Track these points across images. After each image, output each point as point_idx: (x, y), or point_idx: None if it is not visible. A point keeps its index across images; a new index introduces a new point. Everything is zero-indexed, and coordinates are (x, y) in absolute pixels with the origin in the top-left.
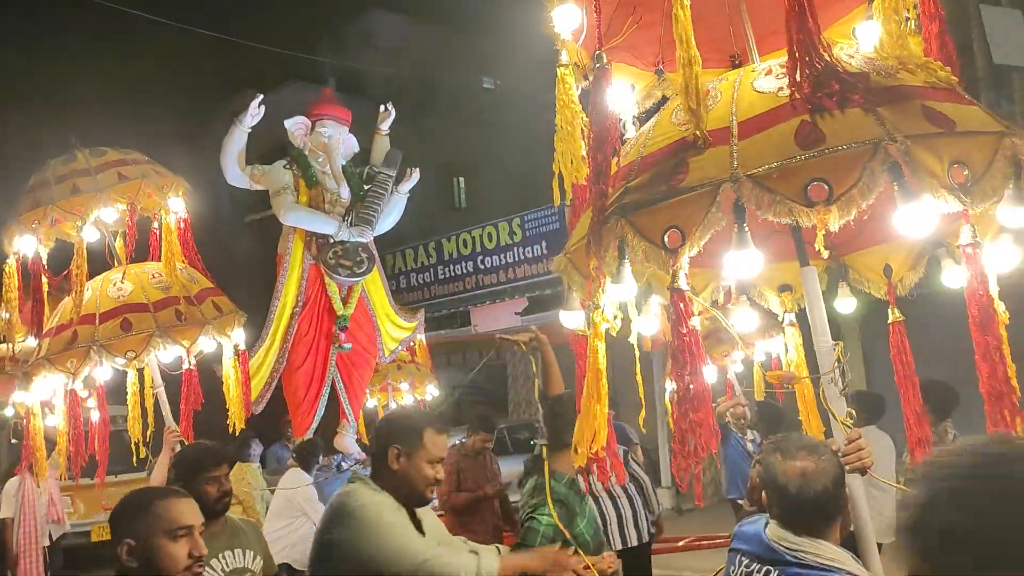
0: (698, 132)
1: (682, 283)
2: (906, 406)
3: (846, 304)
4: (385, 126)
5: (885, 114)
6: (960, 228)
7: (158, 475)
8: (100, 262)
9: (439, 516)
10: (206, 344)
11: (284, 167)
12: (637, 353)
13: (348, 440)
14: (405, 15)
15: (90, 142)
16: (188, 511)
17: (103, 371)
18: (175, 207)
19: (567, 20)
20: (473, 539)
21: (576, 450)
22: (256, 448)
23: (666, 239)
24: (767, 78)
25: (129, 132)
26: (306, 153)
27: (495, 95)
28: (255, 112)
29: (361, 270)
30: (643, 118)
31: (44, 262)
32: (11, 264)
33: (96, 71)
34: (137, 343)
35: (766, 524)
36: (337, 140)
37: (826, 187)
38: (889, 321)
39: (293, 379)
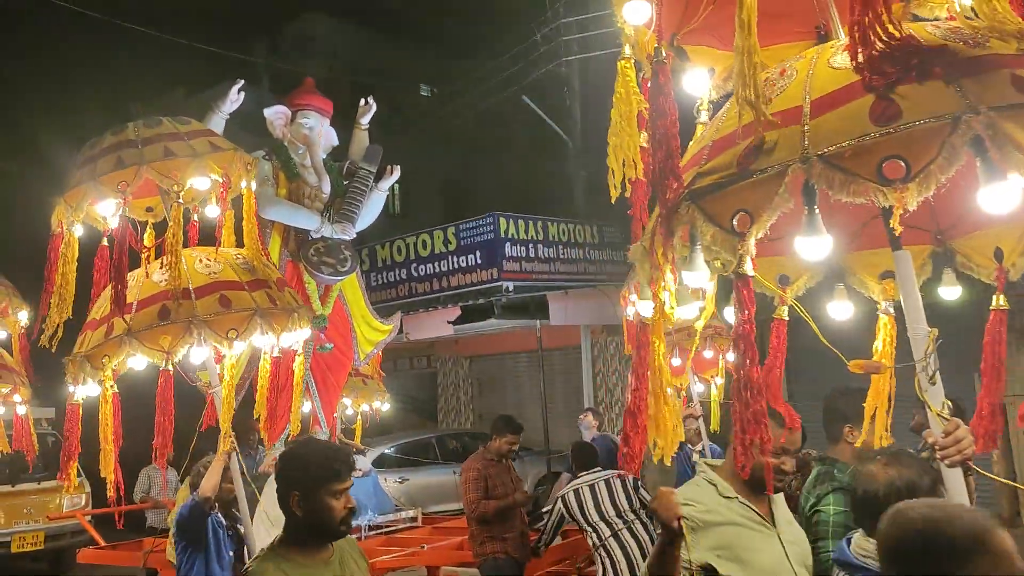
0: (760, 119)
1: (747, 268)
2: (984, 398)
3: (951, 291)
4: (365, 121)
5: (968, 85)
6: None
7: (210, 481)
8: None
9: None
10: (262, 341)
11: (263, 158)
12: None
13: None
14: (342, 19)
15: (11, 136)
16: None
17: (201, 352)
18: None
19: (637, 13)
20: (503, 548)
21: (656, 445)
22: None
23: (735, 223)
24: (844, 54)
25: (56, 127)
26: (286, 144)
27: (432, 102)
28: (235, 98)
29: (344, 268)
30: (721, 103)
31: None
32: (71, 233)
33: (26, 65)
34: (239, 321)
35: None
36: (319, 132)
37: (903, 164)
38: (992, 307)
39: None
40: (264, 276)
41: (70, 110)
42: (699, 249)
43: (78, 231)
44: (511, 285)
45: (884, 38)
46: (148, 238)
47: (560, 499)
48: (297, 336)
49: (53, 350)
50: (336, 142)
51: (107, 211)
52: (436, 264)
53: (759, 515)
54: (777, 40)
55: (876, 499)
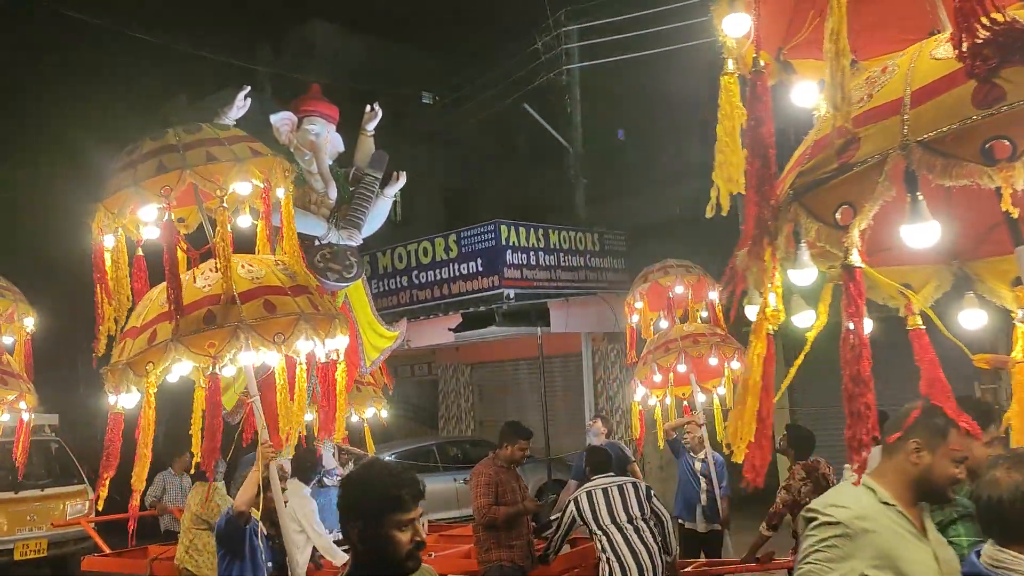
0: (847, 126)
1: (855, 259)
2: None
3: None
4: (371, 127)
5: None
6: None
7: (246, 494)
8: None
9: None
10: (306, 345)
11: None
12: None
13: (326, 454)
14: (345, 27)
15: (14, 142)
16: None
17: (248, 356)
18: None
19: (737, 27)
20: (509, 556)
21: (729, 448)
22: (220, 466)
23: (838, 216)
24: (946, 45)
25: (59, 134)
26: (292, 150)
27: (434, 110)
28: (241, 104)
29: (351, 274)
30: None
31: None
32: (119, 237)
33: (28, 73)
34: (285, 325)
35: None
36: (325, 139)
37: (1009, 143)
38: None
39: (271, 391)
40: (304, 282)
41: (73, 117)
42: (804, 247)
43: (109, 242)
44: (512, 292)
45: (988, 24)
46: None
47: (572, 502)
48: (338, 343)
49: (97, 356)
50: (342, 148)
51: (149, 216)
52: (437, 271)
53: (914, 526)
54: (893, 48)
55: (1001, 505)
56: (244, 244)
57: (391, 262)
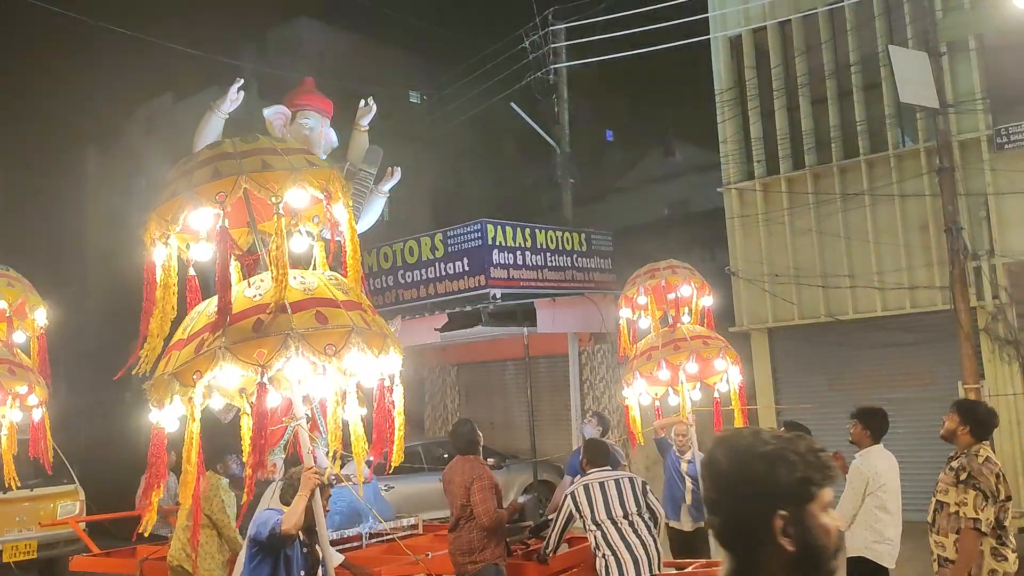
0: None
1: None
2: None
3: None
4: (365, 122)
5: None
6: None
7: (294, 518)
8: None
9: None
10: (357, 361)
11: None
12: None
13: (320, 454)
14: (331, 25)
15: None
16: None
17: (298, 366)
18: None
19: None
20: (502, 552)
21: None
22: (235, 465)
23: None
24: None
25: (45, 131)
26: None
27: (421, 109)
28: (234, 97)
29: None
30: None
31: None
32: (170, 248)
33: (13, 69)
34: (337, 337)
35: None
36: (319, 133)
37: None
38: None
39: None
40: (357, 299)
41: (53, 112)
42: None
43: (161, 255)
44: (498, 292)
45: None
46: (237, 275)
47: (569, 496)
48: (392, 363)
49: (143, 372)
50: (336, 143)
51: (202, 224)
52: (423, 271)
53: None
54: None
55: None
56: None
57: (377, 261)
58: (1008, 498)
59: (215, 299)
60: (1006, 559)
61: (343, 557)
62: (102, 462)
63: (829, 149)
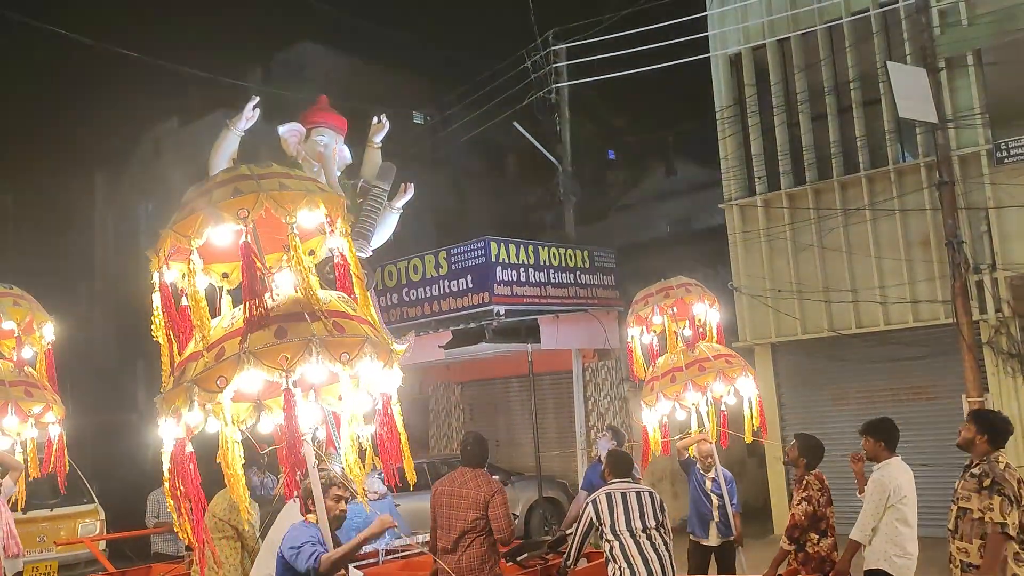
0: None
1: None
2: None
3: None
4: (378, 139)
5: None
6: None
7: (338, 557)
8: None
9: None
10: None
11: None
12: None
13: (375, 480)
14: (335, 48)
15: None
16: None
17: (318, 371)
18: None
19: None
20: (500, 564)
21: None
22: (255, 479)
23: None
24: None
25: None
26: (300, 162)
27: (425, 129)
28: (250, 115)
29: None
30: None
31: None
32: (194, 266)
33: (16, 90)
34: (351, 346)
35: None
36: (333, 150)
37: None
38: None
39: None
40: (365, 316)
41: (65, 133)
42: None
43: (173, 274)
44: (502, 309)
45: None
46: (228, 305)
47: (591, 503)
48: (394, 378)
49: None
50: (350, 160)
51: (222, 240)
52: (427, 288)
53: None
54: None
55: None
56: None
57: (381, 279)
58: None
59: (228, 314)
60: None
61: (361, 574)
62: (117, 480)
63: (829, 165)
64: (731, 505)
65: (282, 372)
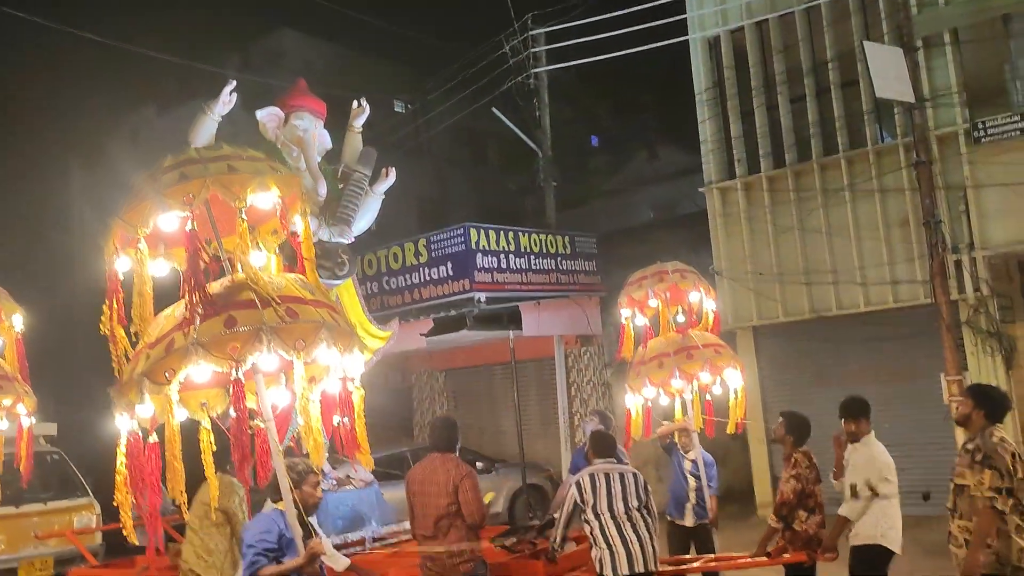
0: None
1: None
2: None
3: None
4: (358, 123)
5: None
6: None
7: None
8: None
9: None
10: (326, 356)
11: None
12: None
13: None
14: (315, 36)
15: None
16: None
17: (269, 360)
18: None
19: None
20: (481, 546)
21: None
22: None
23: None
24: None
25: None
26: (279, 147)
27: (405, 117)
28: (227, 99)
29: (343, 272)
30: None
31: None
32: (141, 254)
33: None
34: (306, 332)
35: None
36: (313, 134)
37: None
38: None
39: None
40: (323, 299)
41: (40, 122)
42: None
43: (124, 263)
44: (483, 296)
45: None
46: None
47: (574, 484)
48: (355, 362)
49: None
50: (330, 144)
51: (170, 227)
52: (408, 276)
53: None
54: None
55: None
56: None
57: (361, 268)
58: None
59: (182, 303)
60: None
61: (349, 561)
62: (112, 473)
63: (809, 146)
64: (708, 488)
65: (232, 362)
